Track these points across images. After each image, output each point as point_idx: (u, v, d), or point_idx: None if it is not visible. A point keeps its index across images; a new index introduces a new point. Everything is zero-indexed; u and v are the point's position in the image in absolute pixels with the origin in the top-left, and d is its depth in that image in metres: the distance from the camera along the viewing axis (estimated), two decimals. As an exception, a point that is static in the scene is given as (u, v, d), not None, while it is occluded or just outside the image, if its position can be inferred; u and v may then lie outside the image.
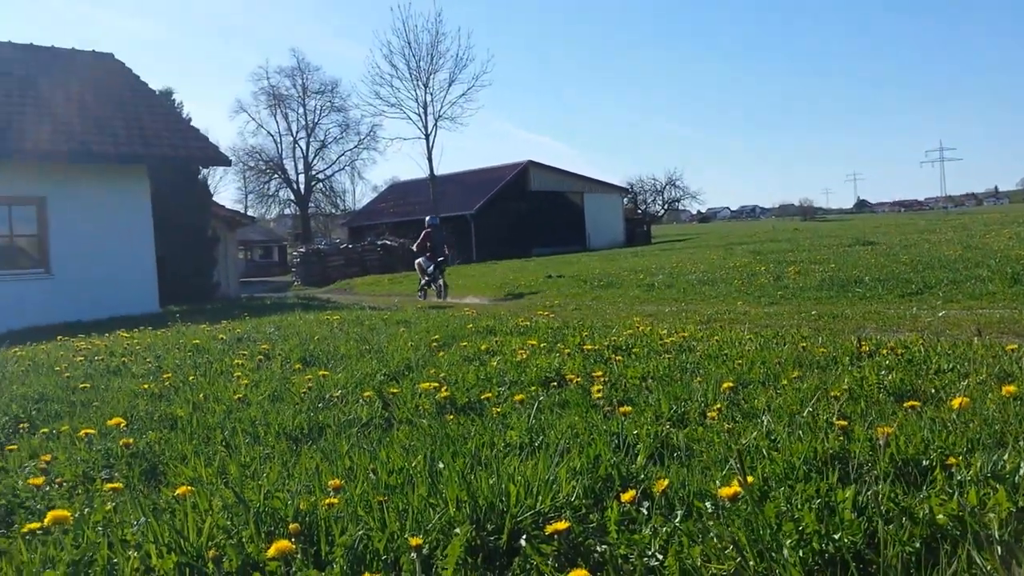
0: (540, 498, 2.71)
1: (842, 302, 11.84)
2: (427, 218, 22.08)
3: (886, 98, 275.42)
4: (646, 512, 2.63)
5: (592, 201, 54.09)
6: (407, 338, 8.38)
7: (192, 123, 19.90)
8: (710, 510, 2.59)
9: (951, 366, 4.95)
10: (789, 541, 2.24)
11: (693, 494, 2.82)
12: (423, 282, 21.03)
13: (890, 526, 2.28)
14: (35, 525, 2.57)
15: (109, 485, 3.39)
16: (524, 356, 6.45)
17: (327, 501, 2.76)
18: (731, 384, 4.71)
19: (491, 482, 2.82)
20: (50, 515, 2.43)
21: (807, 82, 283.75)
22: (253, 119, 68.64)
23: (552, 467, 2.99)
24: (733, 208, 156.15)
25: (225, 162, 19.96)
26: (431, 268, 20.55)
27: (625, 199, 63.67)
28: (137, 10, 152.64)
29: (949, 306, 10.39)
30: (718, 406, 4.25)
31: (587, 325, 8.83)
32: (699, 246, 37.50)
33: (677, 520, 2.50)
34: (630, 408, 3.94)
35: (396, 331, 9.24)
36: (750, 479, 2.61)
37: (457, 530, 2.44)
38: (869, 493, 2.51)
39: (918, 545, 2.23)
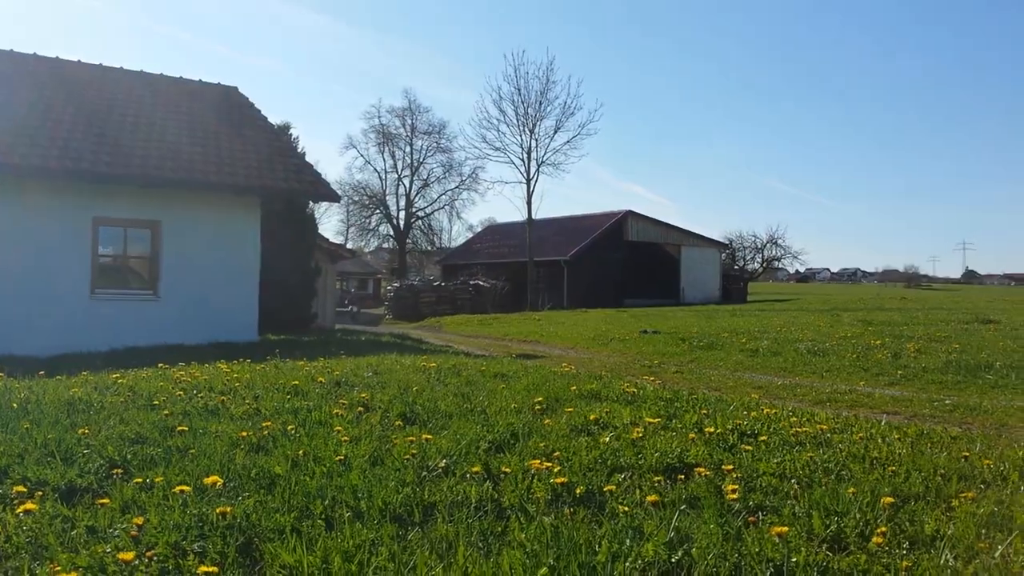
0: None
1: (972, 390, 10.93)
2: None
3: (1001, 167, 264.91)
4: None
5: (689, 254, 53.11)
6: (508, 397, 8.00)
7: (306, 158, 20.16)
8: None
9: None
10: None
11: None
12: None
13: None
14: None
15: (203, 568, 3.06)
16: (639, 434, 5.97)
17: (451, 634, 2.35)
18: (890, 499, 4.13)
19: (644, 628, 2.36)
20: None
21: (919, 145, 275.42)
22: (361, 155, 70.19)
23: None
24: (833, 269, 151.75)
25: (335, 198, 20.11)
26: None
27: (723, 254, 62.38)
28: (263, 49, 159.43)
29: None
30: (882, 528, 3.68)
31: (700, 398, 8.27)
32: (801, 309, 36.19)
33: None
34: (785, 529, 3.41)
35: (495, 386, 8.87)
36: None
37: None
38: None
39: None
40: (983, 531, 3.74)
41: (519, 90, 48.78)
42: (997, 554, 3.33)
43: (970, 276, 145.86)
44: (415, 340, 21.98)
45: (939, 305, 37.97)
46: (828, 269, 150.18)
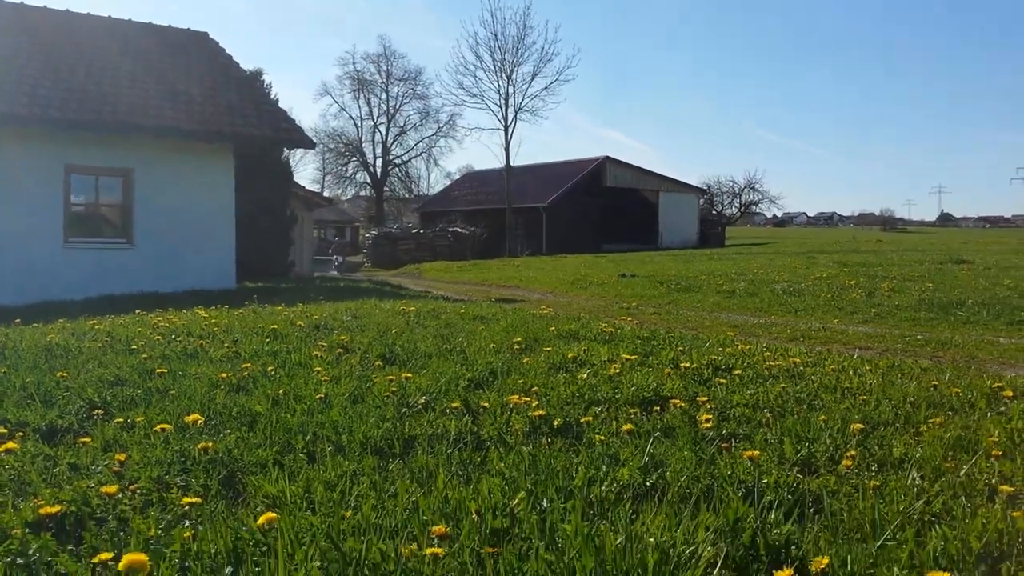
0: (681, 572, 2.31)
1: (943, 326, 11.11)
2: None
3: (977, 112, 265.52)
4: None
5: (667, 200, 53.14)
6: (487, 337, 8.04)
7: (279, 104, 19.86)
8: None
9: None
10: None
11: (861, 578, 2.40)
12: None
13: None
14: (107, 556, 2.27)
15: (186, 499, 3.10)
16: (616, 370, 6.04)
17: (431, 551, 2.40)
18: (860, 425, 4.23)
19: (618, 542, 2.43)
20: (125, 559, 2.11)
21: (896, 91, 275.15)
22: (336, 102, 69.11)
23: (687, 527, 2.59)
24: (810, 214, 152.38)
25: (309, 145, 19.87)
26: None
27: (701, 200, 62.44)
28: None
29: (1068, 340, 9.62)
30: (851, 452, 3.78)
31: (677, 337, 8.36)
32: (778, 252, 36.43)
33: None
34: (757, 453, 3.50)
35: (475, 328, 8.91)
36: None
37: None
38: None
39: None
40: (950, 453, 3.85)
41: (496, 35, 48.12)
42: (962, 473, 3.43)
43: (945, 219, 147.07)
44: (394, 287, 21.96)
45: (914, 247, 38.36)
46: (805, 213, 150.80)
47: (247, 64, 21.78)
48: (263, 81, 24.52)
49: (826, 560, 2.38)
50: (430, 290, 20.98)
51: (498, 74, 46.47)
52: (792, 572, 2.29)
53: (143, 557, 2.12)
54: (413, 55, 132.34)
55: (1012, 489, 3.09)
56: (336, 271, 33.97)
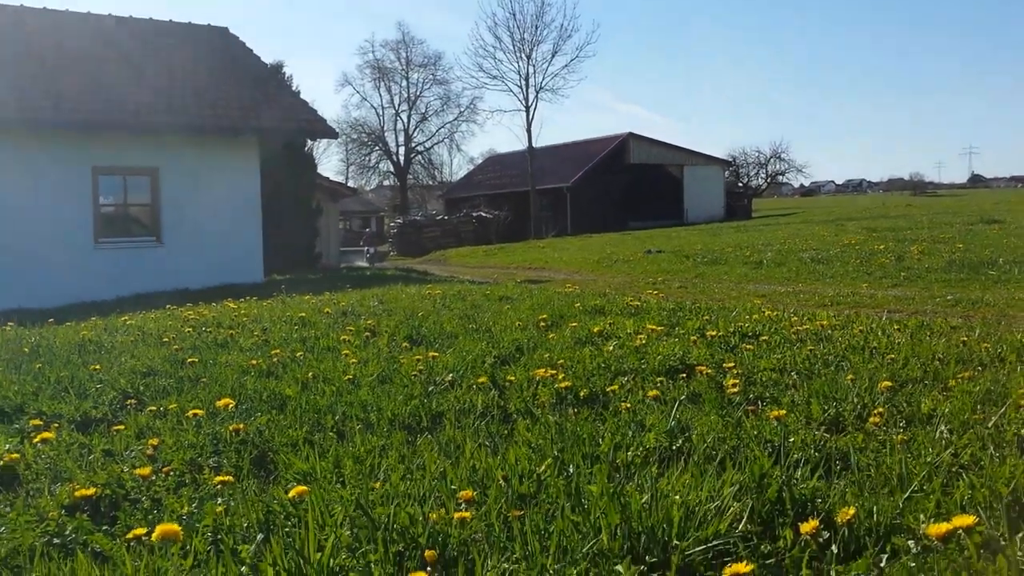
0: (707, 526, 2.32)
1: (975, 286, 10.96)
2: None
3: (1006, 67, 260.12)
4: (836, 549, 2.21)
5: (692, 174, 52.66)
6: (513, 316, 8.07)
7: (301, 96, 19.97)
8: (913, 551, 2.15)
9: None
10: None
11: (887, 527, 2.39)
12: None
13: None
14: (141, 531, 2.32)
15: (218, 478, 3.16)
16: (642, 341, 6.04)
17: (459, 515, 2.44)
18: (888, 383, 4.21)
19: (644, 501, 2.45)
20: (159, 530, 2.17)
21: (920, 50, 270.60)
22: (357, 92, 69.21)
23: (713, 485, 2.60)
24: (838, 182, 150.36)
25: (332, 135, 19.96)
26: None
27: (726, 172, 61.88)
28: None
29: (1104, 294, 9.46)
30: (879, 410, 3.76)
31: (703, 307, 8.33)
32: (805, 221, 36.07)
33: (883, 564, 2.08)
34: (782, 412, 3.49)
35: (500, 308, 8.94)
36: (964, 519, 2.15)
37: (619, 567, 2.07)
38: None
39: None
40: (979, 407, 3.81)
41: (514, 15, 48.26)
42: (991, 424, 3.40)
43: (976, 180, 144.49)
44: (420, 273, 22.05)
45: (944, 210, 37.75)
46: (833, 182, 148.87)
47: (267, 57, 21.83)
48: (284, 73, 24.59)
49: (852, 511, 2.38)
50: (456, 275, 21.04)
51: (517, 54, 46.40)
52: (818, 524, 2.29)
53: (175, 527, 2.17)
54: (432, 40, 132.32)
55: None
56: (367, 262, 33.74)
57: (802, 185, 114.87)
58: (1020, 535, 2.18)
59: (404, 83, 65.29)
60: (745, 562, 2.00)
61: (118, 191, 17.12)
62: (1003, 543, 2.17)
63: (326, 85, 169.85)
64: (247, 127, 17.36)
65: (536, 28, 46.11)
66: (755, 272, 15.57)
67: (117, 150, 16.25)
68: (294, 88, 22.12)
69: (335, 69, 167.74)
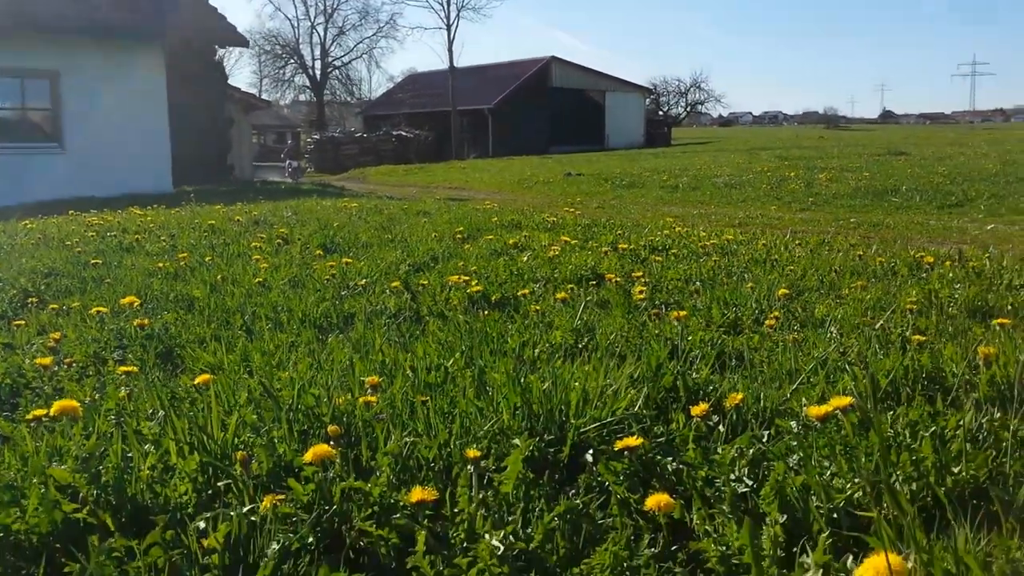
0: (603, 409, 2.42)
1: (878, 212, 11.40)
2: None
3: (920, 8, 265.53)
4: (723, 430, 2.34)
5: (614, 100, 52.65)
6: (430, 229, 8.06)
7: (210, 2, 19.05)
8: (796, 431, 2.30)
9: (1023, 282, 4.61)
10: (900, 473, 1.95)
11: (773, 411, 2.53)
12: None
13: (1016, 460, 1.99)
14: (41, 412, 2.29)
15: (122, 368, 3.11)
16: (556, 252, 6.13)
17: (364, 399, 2.48)
18: (786, 291, 4.39)
19: (545, 387, 2.53)
20: (57, 405, 2.15)
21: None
22: (271, 2, 66.48)
23: (612, 374, 2.70)
24: (755, 113, 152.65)
25: (243, 43, 19.24)
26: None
27: (647, 100, 62.05)
28: None
29: (993, 220, 9.96)
30: (775, 313, 3.93)
31: (617, 223, 8.46)
32: (722, 150, 36.62)
33: (762, 441, 2.21)
34: (684, 313, 3.61)
35: (417, 221, 8.91)
36: (841, 400, 2.30)
37: (516, 441, 2.16)
38: (984, 420, 2.20)
39: (1051, 483, 1.94)
40: (869, 312, 4.02)
41: (435, -74, 46.47)
42: (878, 325, 3.60)
43: (887, 116, 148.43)
44: (338, 189, 21.67)
45: (855, 142, 38.76)
46: (750, 113, 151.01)
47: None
48: (192, -24, 23.36)
49: (740, 396, 2.51)
50: (375, 192, 20.76)
51: (440, -32, 45.10)
52: (708, 407, 2.41)
53: (75, 403, 2.16)
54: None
55: (924, 338, 3.25)
56: (290, 177, 32.01)
57: (720, 116, 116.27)
58: (891, 413, 2.35)
59: (320, -7, 62.85)
60: (638, 438, 2.10)
61: (15, 94, 16.23)
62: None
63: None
64: (153, 30, 16.55)
65: (460, -61, 44.82)
66: (671, 195, 15.82)
67: (14, 50, 15.31)
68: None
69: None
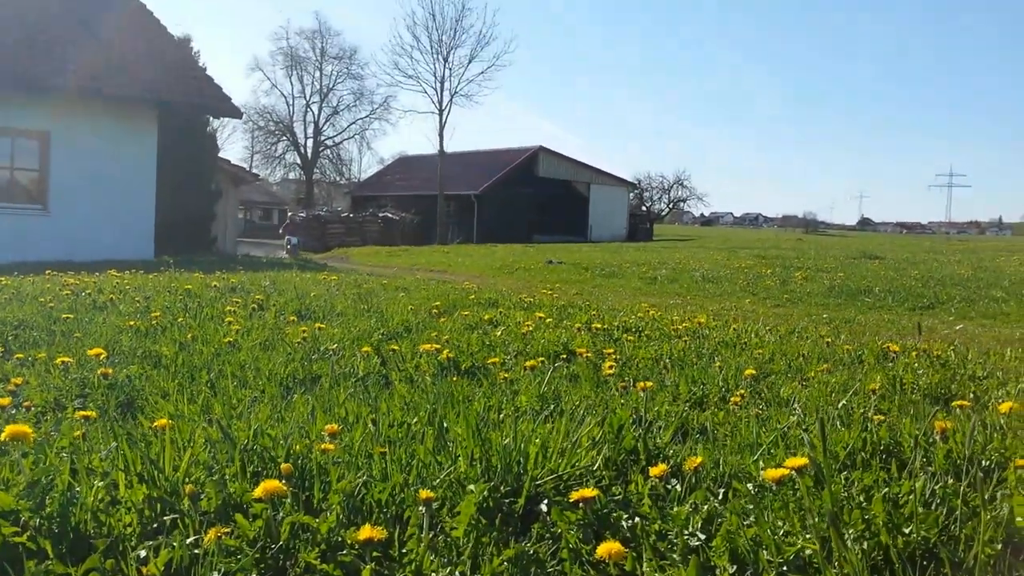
0: (561, 462, 2.41)
1: (850, 310, 11.55)
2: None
3: (900, 119, 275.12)
4: (680, 489, 2.34)
5: (598, 193, 53.60)
6: (407, 302, 8.08)
7: (207, 73, 19.46)
8: (752, 492, 2.30)
9: (986, 373, 4.68)
10: (852, 531, 1.95)
11: (731, 475, 2.53)
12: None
13: (967, 524, 1.99)
14: (-9, 442, 2.26)
15: (81, 413, 3.08)
16: (530, 328, 6.15)
17: (322, 446, 2.46)
18: (753, 372, 4.43)
19: (505, 442, 2.53)
20: (8, 429, 2.12)
21: (822, 97, 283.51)
22: (268, 78, 67.84)
23: (572, 432, 2.70)
24: (736, 214, 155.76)
25: (236, 115, 19.53)
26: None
27: (631, 194, 63.20)
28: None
29: (963, 321, 10.12)
30: (741, 391, 3.96)
31: (593, 306, 8.53)
32: (702, 247, 37.17)
33: (718, 499, 2.21)
34: (651, 384, 3.63)
35: (395, 296, 8.94)
36: (797, 460, 2.31)
37: (471, 487, 2.14)
38: (937, 487, 2.22)
39: (999, 547, 1.94)
40: (832, 395, 4.05)
41: (433, 16, 48.38)
42: (840, 404, 3.62)
43: (864, 223, 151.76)
44: (320, 265, 21.74)
45: (832, 246, 39.48)
46: (731, 213, 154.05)
47: (176, 30, 21.22)
48: (192, 48, 23.90)
49: (700, 459, 2.51)
50: (356, 271, 20.84)
51: (434, 55, 46.54)
52: (667, 467, 2.41)
53: (26, 428, 2.13)
54: (349, 34, 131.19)
55: (884, 418, 3.28)
56: (288, 254, 30.18)
57: (702, 215, 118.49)
58: (845, 475, 2.35)
59: (317, 74, 64.31)
60: (593, 490, 2.10)
61: (4, 154, 16.33)
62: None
63: (234, 68, 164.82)
64: (148, 97, 16.85)
65: (455, 32, 46.38)
66: (649, 287, 15.99)
67: (6, 109, 15.50)
68: (201, 64, 21.52)
69: (245, 50, 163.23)
